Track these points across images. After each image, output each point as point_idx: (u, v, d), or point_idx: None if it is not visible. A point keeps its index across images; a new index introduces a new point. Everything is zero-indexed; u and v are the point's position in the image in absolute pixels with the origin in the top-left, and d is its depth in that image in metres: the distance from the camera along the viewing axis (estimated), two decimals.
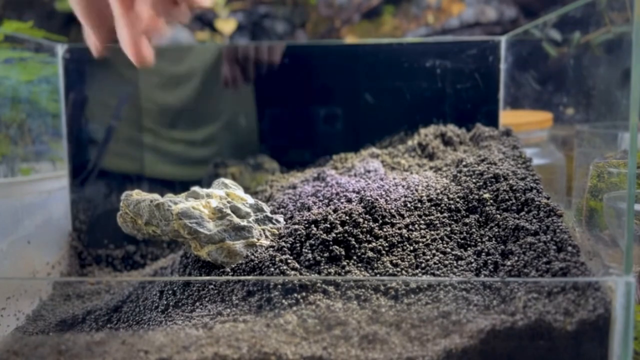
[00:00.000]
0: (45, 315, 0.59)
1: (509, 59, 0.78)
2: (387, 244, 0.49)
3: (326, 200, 0.55)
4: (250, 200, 0.54)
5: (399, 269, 0.48)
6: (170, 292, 0.49)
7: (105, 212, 0.79)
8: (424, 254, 0.49)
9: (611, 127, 0.73)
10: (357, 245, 0.49)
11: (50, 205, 0.75)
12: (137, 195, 0.53)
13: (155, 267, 0.71)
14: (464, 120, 0.76)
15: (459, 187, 0.55)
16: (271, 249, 0.49)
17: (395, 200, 0.54)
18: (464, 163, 0.60)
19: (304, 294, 0.44)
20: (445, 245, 0.50)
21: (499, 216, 0.51)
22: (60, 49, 0.77)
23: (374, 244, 0.49)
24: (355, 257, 0.49)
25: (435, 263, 0.48)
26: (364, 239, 0.49)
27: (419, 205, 0.53)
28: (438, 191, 0.55)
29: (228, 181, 0.57)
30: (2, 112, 0.71)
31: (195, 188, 0.54)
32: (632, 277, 0.40)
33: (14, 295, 0.58)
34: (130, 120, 0.80)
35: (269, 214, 0.53)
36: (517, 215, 0.51)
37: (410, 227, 0.51)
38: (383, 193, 0.55)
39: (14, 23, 0.74)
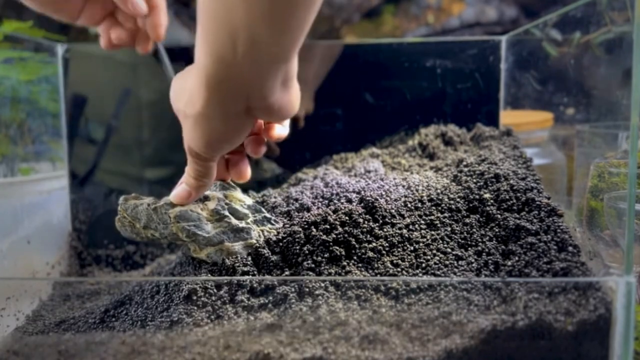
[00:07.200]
0: (45, 315, 0.59)
1: (509, 58, 0.78)
2: (387, 244, 0.49)
3: (326, 201, 0.55)
4: (248, 201, 0.54)
5: (399, 269, 0.48)
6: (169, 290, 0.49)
7: (105, 212, 0.79)
8: (424, 254, 0.49)
9: (612, 127, 0.73)
10: (357, 246, 0.49)
11: (50, 206, 0.75)
12: (135, 198, 0.52)
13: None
14: (464, 120, 0.75)
15: (460, 187, 0.55)
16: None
17: (396, 200, 0.54)
18: (464, 163, 0.60)
19: (304, 294, 0.44)
20: (445, 245, 0.50)
21: (499, 216, 0.51)
22: (60, 49, 0.77)
23: (374, 244, 0.49)
24: (355, 257, 0.48)
25: (435, 263, 0.48)
26: (364, 239, 0.49)
27: (419, 205, 0.53)
28: (438, 191, 0.55)
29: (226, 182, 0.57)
30: (2, 112, 0.71)
31: None
32: (633, 277, 0.40)
33: (14, 295, 0.58)
34: (131, 121, 0.80)
35: (267, 215, 0.53)
36: (517, 215, 0.51)
37: (411, 227, 0.51)
38: (383, 193, 0.54)
39: (14, 23, 0.74)
